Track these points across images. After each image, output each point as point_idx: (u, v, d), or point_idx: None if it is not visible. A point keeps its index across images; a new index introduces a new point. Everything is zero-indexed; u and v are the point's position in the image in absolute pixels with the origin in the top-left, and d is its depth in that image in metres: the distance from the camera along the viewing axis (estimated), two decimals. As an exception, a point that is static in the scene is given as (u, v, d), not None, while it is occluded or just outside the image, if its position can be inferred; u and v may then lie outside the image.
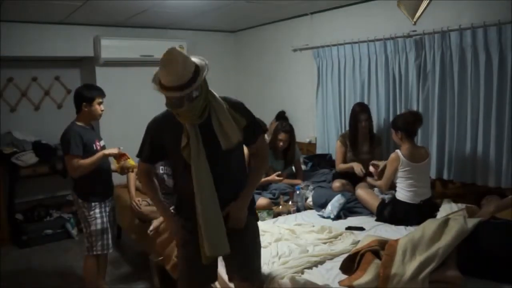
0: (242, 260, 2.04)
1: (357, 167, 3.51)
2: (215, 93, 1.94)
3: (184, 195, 1.98)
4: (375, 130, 3.83)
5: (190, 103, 1.78)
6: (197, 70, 1.79)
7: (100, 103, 2.91)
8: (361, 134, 3.64)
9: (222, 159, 1.93)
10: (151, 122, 2.05)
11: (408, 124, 3.06)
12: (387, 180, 3.15)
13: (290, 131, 3.77)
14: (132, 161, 3.13)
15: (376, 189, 3.36)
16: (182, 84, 1.74)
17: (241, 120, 1.93)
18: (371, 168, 3.33)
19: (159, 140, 2.01)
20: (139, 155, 2.11)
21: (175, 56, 1.74)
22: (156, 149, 2.03)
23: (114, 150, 2.92)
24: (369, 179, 3.42)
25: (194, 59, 1.83)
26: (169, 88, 1.75)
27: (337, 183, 3.55)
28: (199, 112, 1.83)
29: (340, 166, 3.71)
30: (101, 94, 2.93)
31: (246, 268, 2.05)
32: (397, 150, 3.11)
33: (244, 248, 2.04)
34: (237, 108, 1.97)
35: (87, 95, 2.86)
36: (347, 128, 3.83)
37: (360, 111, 3.61)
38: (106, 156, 2.90)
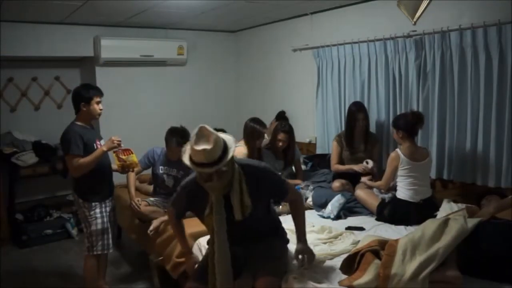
0: (266, 262, 2.19)
1: (358, 166, 3.51)
2: (236, 165, 2.07)
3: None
4: (375, 130, 3.83)
5: (219, 177, 1.93)
6: (226, 147, 1.93)
7: (98, 102, 2.90)
8: (357, 133, 3.65)
9: (244, 220, 2.07)
10: (184, 184, 2.25)
11: (410, 124, 3.06)
12: (387, 179, 3.16)
13: (289, 131, 3.77)
14: (135, 157, 3.13)
15: (375, 189, 3.36)
16: (213, 161, 1.87)
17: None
18: None
19: (189, 202, 2.24)
20: (172, 205, 2.36)
21: (206, 136, 1.87)
22: (186, 208, 2.34)
23: (110, 143, 2.85)
24: (364, 180, 3.43)
25: (222, 136, 1.98)
26: (201, 165, 1.89)
27: (336, 183, 3.54)
28: (224, 185, 2.00)
29: (337, 167, 3.69)
30: (99, 93, 2.92)
31: (269, 264, 2.18)
32: (397, 149, 3.12)
33: (269, 258, 2.21)
34: (255, 180, 2.10)
35: (84, 95, 2.86)
36: (344, 128, 3.84)
37: (357, 110, 3.62)
38: (105, 151, 2.86)
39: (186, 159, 1.95)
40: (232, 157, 1.97)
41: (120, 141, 2.88)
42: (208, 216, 2.07)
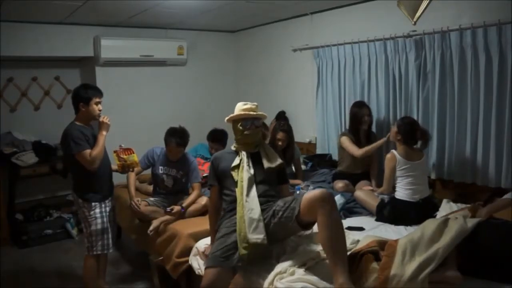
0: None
1: (382, 140, 3.42)
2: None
3: (231, 202, 2.52)
4: (375, 130, 3.83)
5: (254, 128, 2.54)
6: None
7: (97, 103, 2.89)
8: (362, 131, 3.65)
9: (262, 176, 2.52)
10: (211, 158, 2.71)
11: (414, 138, 3.09)
12: (387, 181, 3.16)
13: (288, 130, 3.77)
14: (136, 157, 3.13)
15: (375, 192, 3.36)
16: (256, 111, 2.58)
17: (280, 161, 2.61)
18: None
19: (216, 167, 2.61)
20: (209, 184, 2.68)
21: (250, 103, 2.61)
22: (216, 172, 2.61)
23: (104, 125, 2.90)
24: (366, 188, 3.43)
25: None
26: (247, 109, 2.55)
27: (340, 184, 3.55)
28: (257, 141, 2.59)
29: (364, 150, 3.50)
30: (98, 93, 2.91)
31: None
32: (392, 150, 3.16)
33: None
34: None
35: (83, 95, 2.85)
36: (347, 128, 3.83)
37: (362, 106, 3.64)
38: (105, 135, 2.89)
39: (232, 115, 2.56)
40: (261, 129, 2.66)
41: (108, 119, 2.94)
42: (235, 167, 2.49)
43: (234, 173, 2.50)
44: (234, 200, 2.46)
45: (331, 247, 2.06)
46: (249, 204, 2.37)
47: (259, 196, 2.43)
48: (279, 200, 2.45)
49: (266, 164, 2.51)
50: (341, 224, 2.17)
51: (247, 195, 2.41)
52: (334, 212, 2.12)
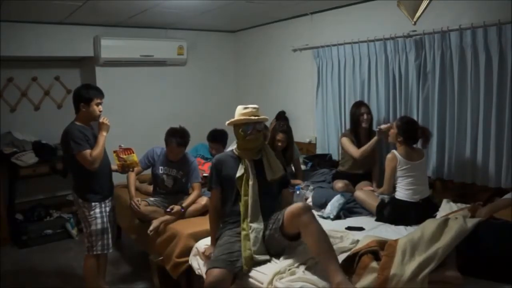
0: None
1: (376, 138, 3.43)
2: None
3: (233, 215, 2.54)
4: (375, 129, 3.83)
5: (256, 133, 2.50)
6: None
7: (98, 104, 2.89)
8: (362, 130, 3.64)
9: (265, 187, 2.52)
10: (213, 161, 2.69)
11: (415, 139, 3.09)
12: (388, 181, 3.15)
13: (287, 131, 3.76)
14: (136, 157, 3.13)
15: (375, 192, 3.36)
16: (257, 114, 2.54)
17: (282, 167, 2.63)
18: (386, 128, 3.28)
19: (219, 171, 2.59)
20: (210, 187, 2.64)
21: (250, 106, 2.57)
22: (219, 176, 2.59)
23: (104, 126, 2.90)
24: (366, 189, 3.42)
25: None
26: (248, 114, 2.51)
27: (340, 184, 3.54)
28: (259, 146, 2.56)
29: (362, 150, 3.52)
30: (100, 94, 2.91)
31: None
32: (393, 150, 3.14)
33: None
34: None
35: (85, 96, 2.85)
36: (347, 128, 3.83)
37: (359, 105, 3.64)
38: (105, 135, 2.89)
39: (233, 120, 2.53)
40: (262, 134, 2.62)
41: (108, 120, 2.95)
42: (239, 178, 2.48)
43: (238, 185, 2.49)
44: (237, 213, 2.48)
45: (320, 249, 2.14)
46: (254, 224, 2.41)
47: (263, 211, 2.46)
48: (276, 213, 2.49)
49: (269, 176, 2.51)
50: (323, 230, 2.23)
51: (252, 213, 2.43)
52: (314, 220, 2.23)
